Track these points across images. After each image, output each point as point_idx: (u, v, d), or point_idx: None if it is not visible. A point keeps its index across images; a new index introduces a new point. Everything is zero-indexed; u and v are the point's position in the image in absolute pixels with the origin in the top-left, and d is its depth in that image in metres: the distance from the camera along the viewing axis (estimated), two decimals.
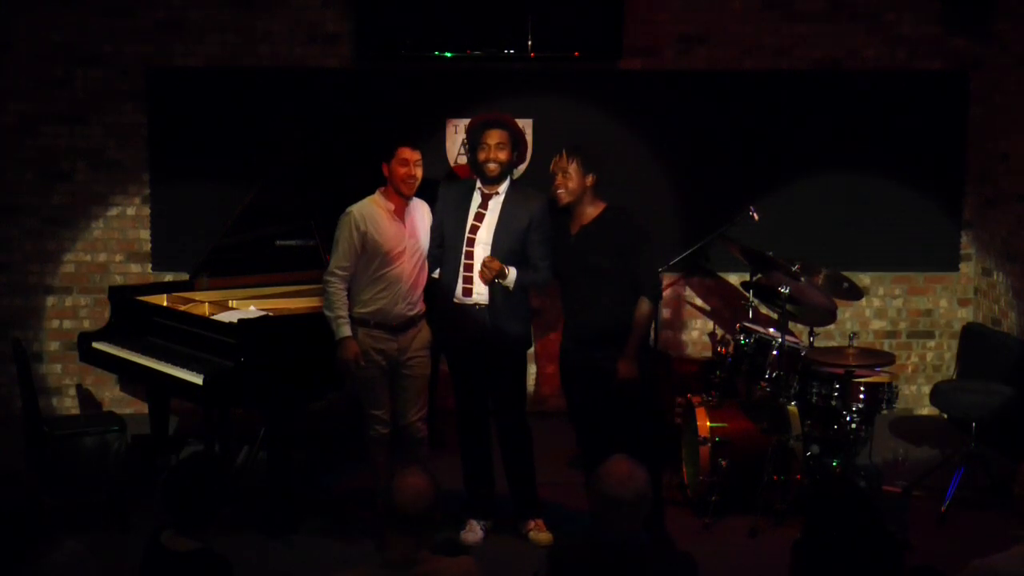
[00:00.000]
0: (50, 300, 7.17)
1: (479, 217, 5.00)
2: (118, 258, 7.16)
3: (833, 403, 5.35)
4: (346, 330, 4.95)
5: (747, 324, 5.70)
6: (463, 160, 7.01)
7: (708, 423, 5.45)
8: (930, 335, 7.30)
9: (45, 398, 7.02)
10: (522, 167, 5.44)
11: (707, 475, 5.39)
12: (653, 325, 5.48)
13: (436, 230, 5.11)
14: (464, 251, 4.98)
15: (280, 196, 5.58)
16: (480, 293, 4.96)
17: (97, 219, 7.13)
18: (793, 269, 5.55)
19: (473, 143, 5.04)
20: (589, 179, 4.87)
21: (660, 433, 5.89)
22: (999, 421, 5.84)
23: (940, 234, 7.20)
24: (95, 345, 5.75)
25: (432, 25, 6.84)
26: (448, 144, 7.07)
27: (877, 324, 7.27)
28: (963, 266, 7.24)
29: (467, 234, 4.98)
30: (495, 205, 5.00)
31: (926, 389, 6.83)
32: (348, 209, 5.01)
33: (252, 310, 5.54)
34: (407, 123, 6.93)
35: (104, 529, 5.15)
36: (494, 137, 4.96)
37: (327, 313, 5.00)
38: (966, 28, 6.96)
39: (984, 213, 7.08)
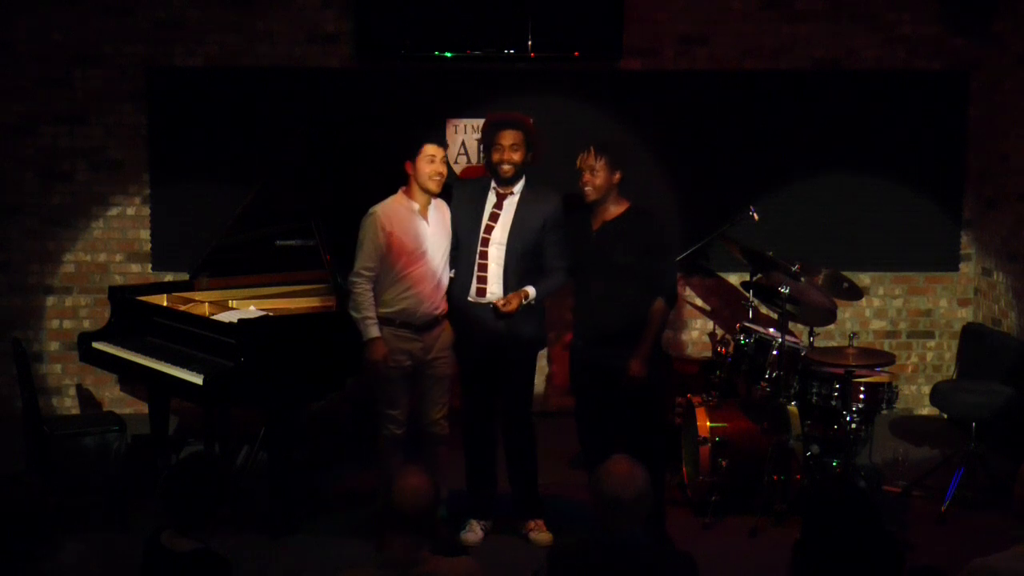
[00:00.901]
0: (50, 300, 7.17)
1: (494, 217, 5.00)
2: (118, 258, 7.16)
3: (833, 403, 5.35)
4: (374, 331, 4.94)
5: (747, 324, 5.70)
6: (463, 161, 7.01)
7: (708, 423, 5.45)
8: (930, 335, 7.30)
9: (45, 398, 7.02)
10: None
11: (707, 475, 5.39)
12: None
13: (452, 229, 5.10)
14: (478, 251, 4.98)
15: (280, 196, 5.58)
16: (494, 293, 4.96)
17: (97, 219, 7.14)
18: (793, 269, 5.55)
19: (487, 143, 5.03)
20: (616, 176, 4.88)
21: (663, 435, 5.89)
22: (999, 421, 5.84)
23: (940, 234, 7.20)
24: (95, 345, 5.75)
25: (432, 25, 6.84)
26: (448, 144, 7.06)
27: (877, 324, 7.27)
28: (963, 266, 7.24)
29: (482, 234, 4.98)
30: (510, 205, 4.99)
31: (926, 389, 6.82)
32: (372, 209, 5.01)
33: (252, 310, 5.53)
34: (407, 123, 6.93)
35: (104, 529, 5.15)
36: (508, 138, 4.95)
37: (354, 314, 4.98)
38: (966, 28, 6.96)
39: (984, 213, 7.08)
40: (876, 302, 7.25)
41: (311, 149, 5.73)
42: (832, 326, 6.41)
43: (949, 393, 6.12)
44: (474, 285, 4.99)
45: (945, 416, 6.87)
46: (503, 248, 4.94)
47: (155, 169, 7.09)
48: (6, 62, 6.98)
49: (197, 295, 5.87)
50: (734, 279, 6.96)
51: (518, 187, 5.01)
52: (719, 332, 6.76)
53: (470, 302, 5.00)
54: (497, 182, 5.01)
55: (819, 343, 5.83)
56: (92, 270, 7.16)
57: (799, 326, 6.06)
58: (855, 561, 2.93)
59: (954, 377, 7.02)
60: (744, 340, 5.57)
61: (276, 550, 5.00)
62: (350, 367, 5.24)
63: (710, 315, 7.22)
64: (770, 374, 5.41)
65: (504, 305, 4.87)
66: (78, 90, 7.02)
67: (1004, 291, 6.83)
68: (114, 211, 7.14)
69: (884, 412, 5.65)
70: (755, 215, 6.20)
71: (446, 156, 5.01)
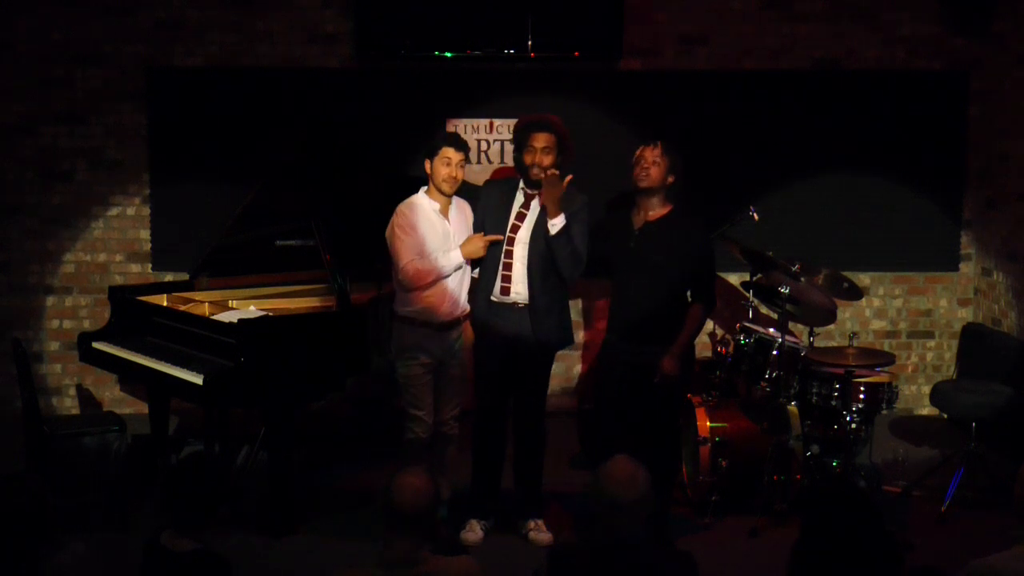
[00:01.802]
0: (50, 300, 7.17)
1: (520, 217, 5.01)
2: (118, 258, 7.16)
3: (833, 403, 5.36)
4: (455, 253, 4.97)
5: (747, 324, 5.70)
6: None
7: (708, 423, 5.45)
8: (930, 335, 7.30)
9: (45, 398, 7.02)
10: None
11: (707, 475, 5.39)
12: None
13: (478, 228, 5.12)
14: (504, 250, 4.99)
15: (280, 196, 5.58)
16: (518, 292, 4.98)
17: (97, 219, 7.14)
18: (793, 269, 5.56)
19: (519, 144, 5.03)
20: (670, 179, 4.95)
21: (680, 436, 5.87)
22: (999, 421, 5.84)
23: (940, 234, 7.20)
24: (95, 345, 5.74)
25: (432, 25, 6.84)
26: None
27: (877, 324, 7.27)
28: (963, 266, 7.24)
29: (508, 233, 4.99)
30: (537, 206, 5.00)
31: (926, 389, 6.82)
32: (398, 208, 5.04)
33: (252, 310, 5.53)
34: (407, 123, 6.94)
35: (104, 529, 5.15)
36: (540, 141, 4.95)
37: (440, 267, 4.95)
38: (966, 28, 6.96)
39: (984, 213, 7.08)
40: (876, 302, 7.25)
41: (311, 149, 5.74)
42: (832, 326, 6.41)
43: (949, 393, 6.12)
44: (498, 284, 5.01)
45: (945, 416, 6.87)
46: (528, 248, 4.95)
47: (155, 169, 7.09)
48: (6, 62, 6.98)
49: (197, 295, 5.87)
50: (734, 279, 6.96)
51: None
52: (719, 332, 6.75)
53: (494, 301, 5.01)
54: (526, 183, 5.03)
55: (819, 343, 5.83)
56: (92, 270, 7.16)
57: (799, 326, 6.06)
58: (855, 561, 2.93)
59: (954, 377, 7.01)
60: (744, 340, 5.57)
61: (276, 550, 5.00)
62: (350, 367, 5.24)
63: (710, 315, 7.21)
64: (770, 374, 5.41)
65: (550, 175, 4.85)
66: (78, 90, 7.02)
67: (1004, 291, 6.83)
68: (114, 211, 7.14)
69: (884, 412, 5.65)
70: (755, 215, 6.20)
71: (464, 161, 5.03)
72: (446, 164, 4.97)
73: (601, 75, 7.05)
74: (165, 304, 5.78)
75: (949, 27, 6.99)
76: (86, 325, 6.89)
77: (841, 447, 5.35)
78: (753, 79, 7.06)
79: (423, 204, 5.05)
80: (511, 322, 4.98)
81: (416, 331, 5.02)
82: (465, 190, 5.22)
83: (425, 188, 5.08)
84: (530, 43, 6.80)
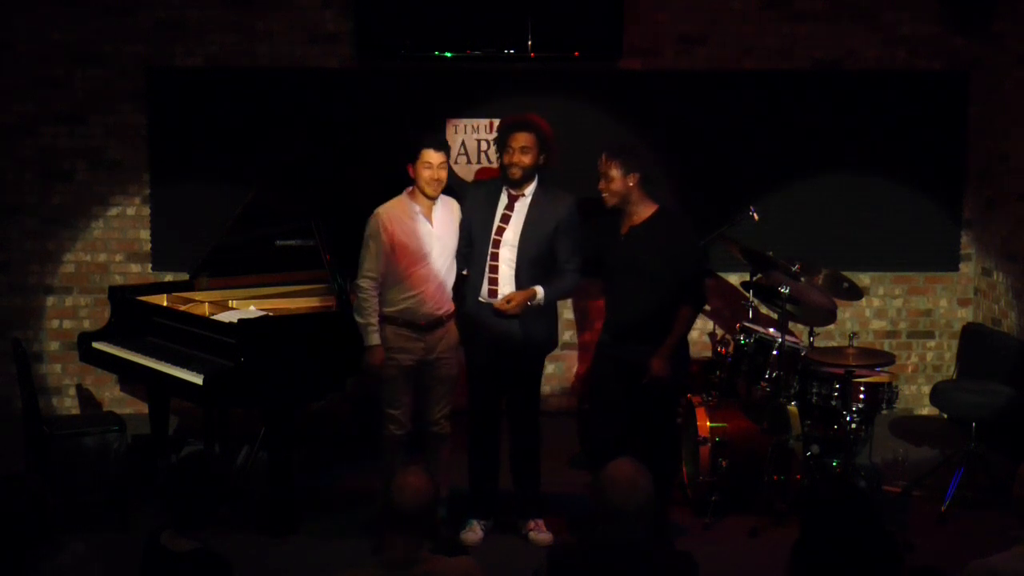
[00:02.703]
0: (50, 300, 7.17)
1: (505, 219, 5.00)
2: (118, 258, 7.16)
3: (833, 403, 5.35)
4: (375, 338, 4.96)
5: (747, 324, 5.70)
6: (463, 161, 7.01)
7: (708, 423, 5.45)
8: (930, 335, 7.30)
9: (45, 398, 7.02)
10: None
11: (707, 475, 5.39)
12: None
13: (464, 230, 5.11)
14: (490, 252, 4.99)
15: (280, 196, 5.58)
16: (505, 294, 4.97)
17: (97, 219, 7.14)
18: (793, 269, 5.55)
19: (500, 144, 5.04)
20: (632, 179, 4.88)
21: (678, 435, 5.87)
22: (999, 421, 5.84)
23: (940, 234, 7.20)
24: (95, 345, 5.75)
25: (432, 25, 6.84)
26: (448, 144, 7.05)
27: (877, 324, 7.27)
28: (963, 266, 7.24)
29: (493, 235, 4.99)
30: (522, 207, 5.00)
31: (926, 389, 6.82)
32: (376, 211, 5.02)
33: (252, 310, 5.53)
34: (407, 123, 6.93)
35: (104, 529, 5.15)
36: (519, 140, 4.95)
37: (357, 319, 4.99)
38: (966, 28, 6.96)
39: (984, 213, 7.08)
40: (876, 302, 7.25)
41: (311, 149, 5.74)
42: (832, 326, 6.41)
43: (949, 393, 6.12)
44: (485, 286, 5.00)
45: (945, 416, 6.86)
46: (515, 249, 4.96)
47: (155, 169, 7.09)
48: (6, 62, 6.98)
49: (197, 295, 5.86)
50: (734, 279, 6.96)
51: (530, 189, 5.02)
52: (719, 332, 6.74)
53: (481, 303, 5.01)
54: (508, 183, 5.02)
55: (819, 343, 5.83)
56: (92, 270, 7.16)
57: (799, 326, 6.06)
58: (855, 561, 2.93)
59: (954, 377, 7.01)
60: (744, 340, 5.57)
61: (276, 550, 5.00)
62: (350, 367, 5.24)
63: (710, 315, 7.21)
64: (770, 374, 5.41)
65: (505, 304, 4.88)
66: (78, 90, 7.02)
67: (1004, 291, 6.83)
68: (114, 211, 7.14)
69: (884, 412, 5.64)
70: (755, 215, 6.20)
71: (447, 161, 5.00)
72: (427, 167, 4.93)
73: (601, 75, 7.05)
74: (165, 304, 5.78)
75: (949, 27, 6.99)
76: (86, 325, 6.89)
77: (841, 447, 5.34)
78: (753, 79, 7.06)
79: (402, 207, 5.00)
80: (499, 323, 4.97)
81: (398, 331, 5.00)
82: (454, 188, 5.19)
83: (409, 190, 5.05)
84: (530, 43, 6.80)
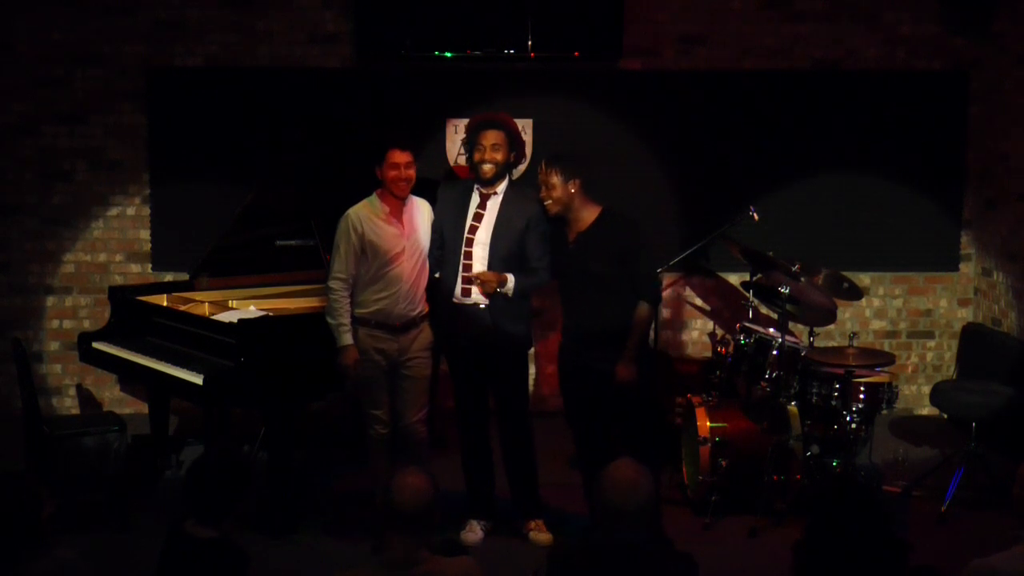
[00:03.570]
0: (50, 300, 7.17)
1: (477, 217, 4.99)
2: (118, 258, 7.16)
3: (833, 403, 5.35)
4: (347, 338, 4.96)
5: (747, 324, 5.70)
6: (463, 160, 7.00)
7: (708, 423, 5.44)
8: (930, 335, 7.30)
9: (45, 398, 7.02)
10: (522, 167, 5.46)
11: (707, 475, 5.39)
12: (652, 326, 5.47)
13: (436, 230, 5.10)
14: (463, 251, 4.97)
15: (280, 196, 5.58)
16: (479, 294, 4.96)
17: (97, 219, 7.14)
18: (793, 269, 5.55)
19: (470, 143, 5.04)
20: (573, 185, 4.83)
21: (659, 434, 5.89)
22: (999, 421, 5.84)
23: (940, 234, 7.20)
24: (95, 345, 5.75)
25: (432, 25, 6.84)
26: (448, 144, 7.07)
27: (877, 324, 7.27)
28: (963, 266, 7.24)
29: (466, 234, 4.97)
30: (493, 205, 4.99)
31: (926, 389, 6.82)
32: (346, 212, 5.00)
33: (252, 310, 5.53)
34: (407, 123, 6.94)
35: (104, 529, 5.15)
36: (490, 138, 4.95)
37: (329, 320, 5.00)
38: (966, 28, 6.94)
39: (984, 213, 7.08)
40: (876, 302, 7.25)
41: (311, 149, 5.74)
42: (832, 326, 6.41)
43: (949, 393, 6.13)
44: (459, 286, 4.98)
45: (945, 416, 6.87)
46: (487, 248, 4.94)
47: (155, 169, 7.09)
48: (6, 62, 6.98)
49: (197, 295, 5.87)
50: (734, 279, 6.96)
51: (501, 187, 5.01)
52: (719, 332, 6.75)
53: (455, 303, 5.00)
54: (479, 182, 5.01)
55: (819, 343, 5.83)
56: (92, 270, 7.16)
57: (799, 326, 6.06)
58: (859, 561, 2.93)
59: (954, 377, 7.01)
60: (744, 340, 5.57)
61: (276, 550, 4.99)
62: (336, 368, 5.24)
63: (710, 315, 7.22)
64: (770, 374, 5.41)
65: (481, 274, 4.87)
66: (78, 90, 7.03)
67: (1004, 291, 6.83)
68: (114, 211, 7.14)
69: (884, 412, 5.64)
70: (755, 215, 6.20)
71: (414, 160, 4.96)
72: (393, 168, 4.91)
73: (601, 75, 7.05)
74: (165, 304, 5.78)
75: (949, 27, 6.98)
76: (86, 325, 6.89)
77: (841, 447, 5.35)
78: (753, 79, 7.06)
79: (372, 209, 4.97)
80: (474, 323, 4.96)
81: (371, 332, 4.98)
82: (424, 186, 5.15)
83: (379, 191, 5.03)
84: (530, 43, 6.80)
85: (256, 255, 5.99)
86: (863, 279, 7.10)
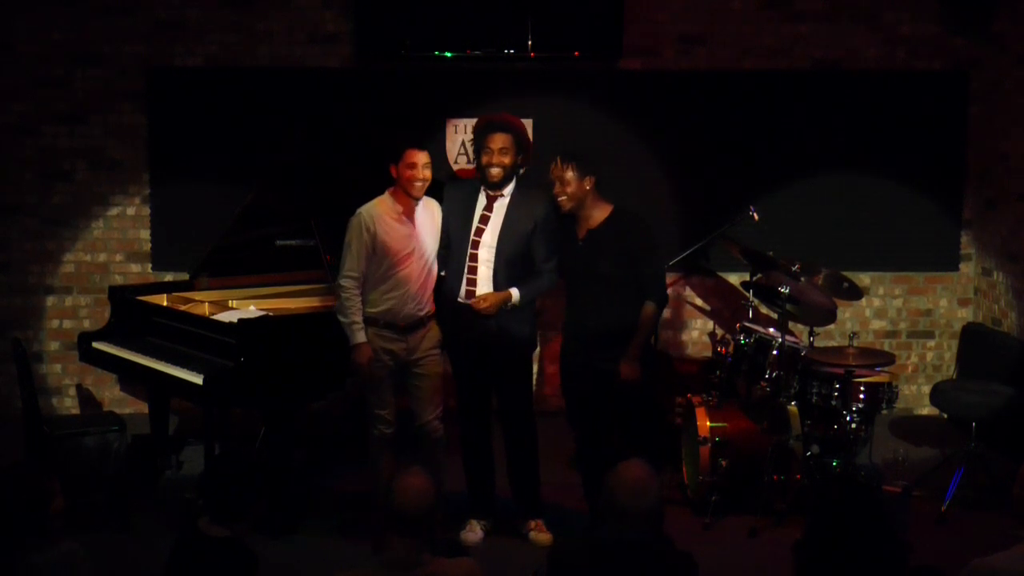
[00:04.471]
0: (50, 300, 7.17)
1: (484, 219, 4.99)
2: (118, 258, 7.16)
3: (833, 403, 5.35)
4: (361, 336, 4.94)
5: (747, 324, 5.70)
6: (463, 161, 7.01)
7: (708, 423, 5.44)
8: (930, 335, 7.30)
9: (45, 398, 7.02)
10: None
11: (707, 475, 5.39)
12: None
13: (442, 231, 5.10)
14: (468, 253, 4.97)
15: (280, 196, 5.58)
16: (482, 293, 4.95)
17: (97, 219, 7.14)
18: (793, 269, 5.55)
19: (477, 145, 5.03)
20: (588, 182, 4.86)
21: (659, 433, 5.89)
22: (999, 421, 5.84)
23: (940, 234, 7.20)
24: (95, 345, 5.75)
25: (432, 25, 6.84)
26: (448, 144, 7.07)
27: (877, 324, 7.27)
28: (963, 266, 7.24)
29: (472, 236, 4.97)
30: (500, 207, 4.99)
31: (926, 389, 6.82)
32: (357, 211, 4.99)
33: (252, 310, 5.53)
34: (407, 123, 6.94)
35: (104, 529, 5.15)
36: (497, 141, 4.93)
37: (341, 319, 4.98)
38: (966, 28, 6.95)
39: (984, 213, 7.08)
40: (876, 302, 7.25)
41: (311, 149, 5.73)
42: (832, 326, 6.41)
43: (949, 393, 6.12)
44: (464, 287, 4.98)
45: (945, 416, 6.87)
46: (493, 250, 4.94)
47: (155, 169, 7.09)
48: (6, 62, 6.98)
49: (197, 295, 5.86)
50: (734, 279, 6.97)
51: (508, 189, 5.00)
52: (719, 332, 6.76)
53: (460, 303, 5.00)
54: (486, 185, 5.01)
55: (819, 343, 5.83)
56: (92, 270, 7.16)
57: (799, 326, 6.06)
58: (860, 561, 2.93)
59: (954, 377, 7.01)
60: (744, 340, 5.57)
61: (276, 550, 4.99)
62: (350, 367, 5.24)
63: (710, 315, 7.22)
64: (770, 374, 5.40)
65: (478, 303, 4.87)
66: (78, 90, 7.02)
67: (1004, 291, 6.83)
68: (114, 211, 7.14)
69: (884, 412, 5.64)
70: (755, 215, 6.20)
71: (430, 161, 4.97)
72: (410, 167, 4.91)
73: (601, 75, 7.05)
74: (165, 304, 5.78)
75: (949, 27, 6.98)
76: (86, 325, 6.89)
77: (841, 447, 5.34)
78: (753, 79, 7.06)
79: (385, 207, 4.98)
80: (477, 324, 4.96)
81: (379, 332, 4.98)
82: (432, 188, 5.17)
83: (391, 189, 5.04)
84: (530, 43, 6.80)
85: (256, 255, 5.99)
86: (863, 279, 7.10)
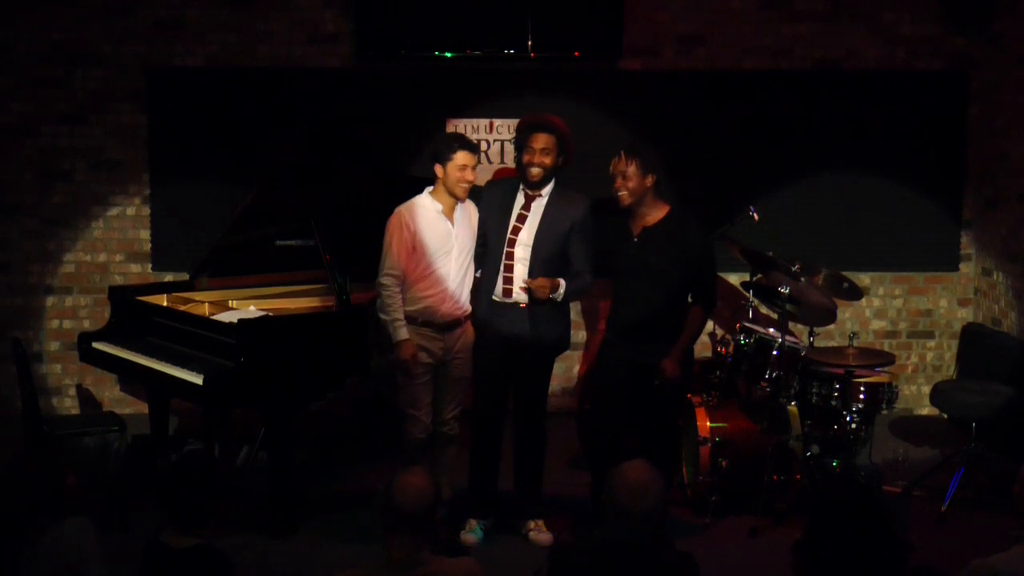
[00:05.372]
0: (50, 300, 7.17)
1: (521, 219, 5.00)
2: (118, 258, 7.16)
3: (833, 403, 5.35)
4: (404, 332, 4.96)
5: (747, 324, 5.70)
6: None
7: (708, 423, 5.45)
8: (930, 335, 7.30)
9: (45, 398, 7.02)
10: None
11: (707, 475, 5.39)
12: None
13: (480, 229, 5.11)
14: (505, 251, 4.99)
15: (280, 196, 5.57)
16: (519, 293, 4.98)
17: (97, 219, 7.14)
18: (793, 269, 5.55)
19: (519, 144, 5.04)
20: (649, 180, 4.88)
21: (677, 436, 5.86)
22: (999, 421, 5.84)
23: (940, 234, 7.20)
24: (95, 345, 5.74)
25: (432, 25, 6.84)
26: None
27: (877, 324, 7.27)
28: (963, 266, 7.24)
29: (509, 235, 4.99)
30: (538, 207, 5.00)
31: (926, 389, 6.82)
32: (397, 209, 5.03)
33: (252, 310, 5.53)
34: (407, 123, 6.94)
35: (104, 529, 5.13)
36: (540, 141, 4.94)
37: (383, 316, 4.99)
38: (966, 28, 6.96)
39: (984, 213, 7.08)
40: (876, 302, 7.25)
41: (311, 149, 5.73)
42: (832, 326, 6.41)
43: (949, 393, 6.12)
44: (500, 285, 5.00)
45: (945, 416, 6.87)
46: (529, 249, 4.96)
47: (155, 169, 7.09)
48: (6, 62, 6.98)
49: (197, 295, 5.86)
50: (734, 279, 6.96)
51: (547, 190, 5.01)
52: (719, 332, 6.75)
53: (495, 301, 5.01)
54: (526, 184, 5.02)
55: (819, 343, 5.83)
56: (92, 270, 7.16)
57: (799, 326, 6.06)
58: (860, 561, 2.93)
59: (954, 377, 7.01)
60: (744, 340, 5.57)
61: (276, 550, 5.00)
62: (350, 367, 5.24)
63: (710, 315, 7.21)
64: (770, 374, 5.40)
65: (533, 283, 4.88)
66: (78, 90, 7.02)
67: (1004, 291, 6.83)
68: (114, 211, 7.14)
69: (884, 412, 5.64)
70: (755, 215, 6.20)
71: (477, 164, 5.03)
72: (460, 169, 4.95)
73: (601, 75, 7.05)
74: (165, 304, 5.77)
75: (949, 27, 6.99)
76: (86, 325, 6.89)
77: (841, 447, 5.35)
78: (753, 79, 7.06)
79: (424, 206, 5.03)
80: (511, 322, 4.98)
81: (418, 330, 5.01)
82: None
83: (430, 189, 5.07)
84: (530, 43, 6.80)
85: (256, 255, 5.99)
86: (863, 279, 7.10)
